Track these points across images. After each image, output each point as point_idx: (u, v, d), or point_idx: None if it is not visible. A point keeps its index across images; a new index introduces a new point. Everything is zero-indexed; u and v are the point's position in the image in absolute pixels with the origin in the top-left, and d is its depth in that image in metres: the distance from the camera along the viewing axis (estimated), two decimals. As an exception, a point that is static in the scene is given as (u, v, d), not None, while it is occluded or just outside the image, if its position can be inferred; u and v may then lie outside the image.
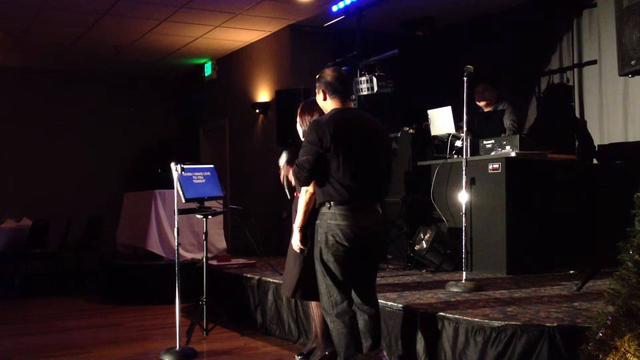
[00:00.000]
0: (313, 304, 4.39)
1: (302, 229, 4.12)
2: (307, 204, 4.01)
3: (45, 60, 10.56)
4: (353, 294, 3.74)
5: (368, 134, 3.71)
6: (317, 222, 3.71)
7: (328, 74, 3.79)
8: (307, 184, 3.78)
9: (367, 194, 3.66)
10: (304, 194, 3.97)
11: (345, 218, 3.58)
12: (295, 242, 4.13)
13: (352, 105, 3.87)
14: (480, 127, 6.70)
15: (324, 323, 4.36)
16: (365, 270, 3.76)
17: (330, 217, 3.61)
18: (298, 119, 4.43)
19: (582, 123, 7.17)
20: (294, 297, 4.35)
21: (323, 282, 3.69)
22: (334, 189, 3.59)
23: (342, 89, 3.78)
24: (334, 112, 3.72)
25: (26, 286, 8.95)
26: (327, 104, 3.82)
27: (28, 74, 11.06)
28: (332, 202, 3.61)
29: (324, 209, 3.66)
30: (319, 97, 3.85)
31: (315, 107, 4.35)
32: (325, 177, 3.62)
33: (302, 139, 4.45)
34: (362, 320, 3.73)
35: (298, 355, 4.70)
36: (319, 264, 3.69)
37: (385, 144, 3.90)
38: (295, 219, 4.18)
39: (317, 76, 3.87)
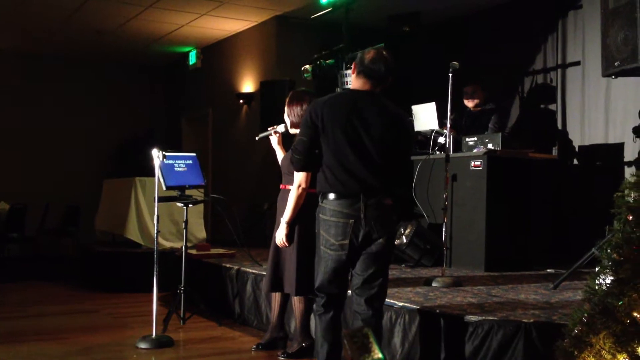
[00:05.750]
0: (295, 298, 4.39)
1: (289, 224, 4.08)
2: (298, 200, 3.92)
3: (27, 44, 10.42)
4: (353, 295, 3.48)
5: (373, 121, 3.33)
6: (316, 213, 3.45)
7: (369, 51, 3.46)
8: (302, 169, 3.53)
9: (363, 188, 3.30)
10: (296, 189, 3.91)
11: (334, 214, 3.31)
12: (280, 237, 4.10)
13: (375, 90, 3.45)
14: (467, 125, 6.74)
15: (304, 316, 4.39)
16: (362, 267, 3.39)
17: (321, 211, 3.38)
18: (286, 109, 4.39)
19: (564, 123, 7.22)
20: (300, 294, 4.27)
21: (315, 270, 3.49)
22: (326, 180, 3.35)
23: (372, 73, 3.41)
24: (339, 93, 3.44)
25: (2, 270, 8.84)
26: (353, 81, 3.49)
27: (8, 57, 10.90)
28: (324, 195, 3.37)
29: (319, 202, 3.40)
30: (351, 70, 3.53)
31: (304, 97, 4.32)
32: (319, 165, 3.38)
33: (290, 130, 4.43)
34: (357, 324, 3.44)
35: (255, 346, 4.69)
36: (316, 255, 3.48)
37: (400, 133, 3.42)
38: (280, 211, 4.15)
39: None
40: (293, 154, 3.49)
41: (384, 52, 3.49)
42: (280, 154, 4.59)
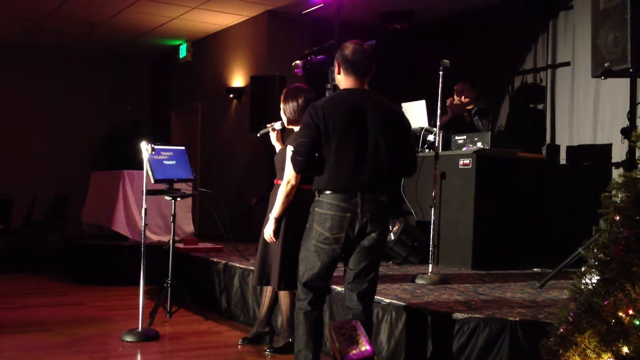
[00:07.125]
0: (282, 293, 4.39)
1: (278, 220, 4.09)
2: (287, 196, 3.94)
3: (16, 34, 10.32)
4: (345, 290, 3.49)
5: (371, 120, 3.34)
6: (311, 208, 3.46)
7: (347, 46, 3.43)
8: (303, 171, 3.50)
9: (362, 184, 3.31)
10: (285, 186, 3.91)
11: (331, 207, 3.31)
12: (268, 232, 4.11)
13: (365, 85, 3.46)
14: (457, 123, 6.74)
15: (290, 311, 4.39)
16: (354, 262, 3.40)
17: (318, 205, 3.37)
18: (282, 105, 4.37)
19: (553, 123, 7.26)
20: (280, 288, 4.28)
21: (302, 265, 3.46)
22: (324, 178, 3.35)
23: (358, 66, 3.40)
24: (335, 94, 3.45)
25: (-12, 262, 8.80)
26: (341, 80, 3.47)
27: (-3, 47, 10.84)
28: (321, 190, 3.37)
29: (316, 197, 3.42)
30: (335, 71, 3.49)
31: (299, 93, 4.30)
32: (320, 167, 3.36)
33: (287, 126, 4.42)
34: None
35: (241, 340, 4.71)
36: (304, 249, 3.46)
37: (399, 131, 3.43)
38: (272, 205, 4.15)
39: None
40: (295, 156, 3.41)
41: (362, 44, 3.48)
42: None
